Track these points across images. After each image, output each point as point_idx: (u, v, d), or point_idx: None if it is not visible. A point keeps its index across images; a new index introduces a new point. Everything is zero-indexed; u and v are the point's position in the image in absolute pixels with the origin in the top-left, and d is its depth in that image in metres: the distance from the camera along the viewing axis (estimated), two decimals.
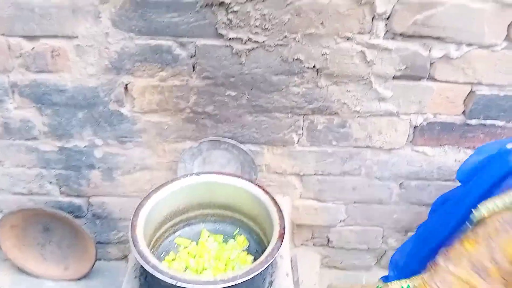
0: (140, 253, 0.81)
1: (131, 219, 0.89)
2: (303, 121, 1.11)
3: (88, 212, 1.29)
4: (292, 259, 1.37)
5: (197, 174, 1.04)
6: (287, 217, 1.19)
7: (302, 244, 1.41)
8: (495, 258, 0.71)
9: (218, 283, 0.77)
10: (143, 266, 0.78)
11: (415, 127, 1.11)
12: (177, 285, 0.75)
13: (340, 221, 1.32)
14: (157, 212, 0.98)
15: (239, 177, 1.04)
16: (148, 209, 0.93)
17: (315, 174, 1.21)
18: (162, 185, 0.99)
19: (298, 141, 1.15)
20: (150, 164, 1.19)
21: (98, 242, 1.34)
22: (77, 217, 1.28)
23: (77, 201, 1.26)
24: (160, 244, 1.03)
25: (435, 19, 0.92)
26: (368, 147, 1.15)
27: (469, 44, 0.96)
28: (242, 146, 1.13)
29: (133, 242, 0.83)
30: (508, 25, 0.94)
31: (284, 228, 0.89)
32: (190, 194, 1.03)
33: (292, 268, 1.30)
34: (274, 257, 0.83)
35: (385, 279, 1.19)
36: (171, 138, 1.13)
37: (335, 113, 1.09)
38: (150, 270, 0.78)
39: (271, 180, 1.22)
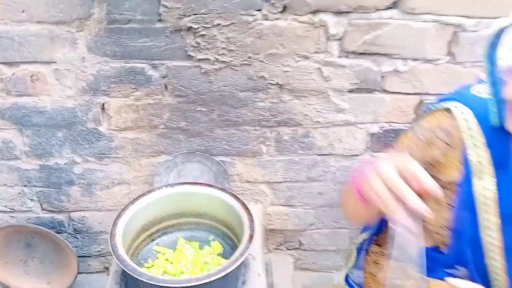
0: (119, 258, 0.88)
1: (110, 228, 0.95)
2: (270, 133, 1.20)
3: (69, 227, 1.35)
4: (267, 263, 1.46)
5: (171, 185, 1.11)
6: (259, 223, 1.28)
7: (276, 249, 1.49)
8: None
9: (193, 281, 0.85)
10: (123, 268, 0.85)
11: (372, 134, 1.22)
12: (155, 284, 0.83)
13: (310, 225, 1.41)
14: (135, 222, 1.05)
15: (212, 186, 1.12)
16: (126, 219, 1.00)
17: (284, 181, 1.30)
18: (139, 197, 1.06)
19: (266, 151, 1.23)
20: (127, 179, 1.25)
21: (80, 256, 1.40)
22: (58, 232, 1.33)
23: (58, 216, 1.32)
24: (139, 253, 1.09)
25: (382, 38, 1.03)
26: (330, 154, 1.25)
27: (415, 59, 1.08)
28: (214, 158, 1.21)
29: (113, 249, 0.90)
30: (448, 42, 1.05)
31: (253, 231, 0.97)
32: (165, 205, 1.10)
33: (266, 271, 1.39)
34: (244, 256, 0.91)
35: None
36: (146, 153, 1.20)
37: (299, 125, 1.18)
38: (130, 272, 0.85)
39: (243, 189, 1.31)
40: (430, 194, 0.68)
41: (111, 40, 1.01)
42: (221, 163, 1.22)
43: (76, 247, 1.38)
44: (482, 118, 0.78)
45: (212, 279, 0.86)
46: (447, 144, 0.81)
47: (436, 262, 0.90)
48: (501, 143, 0.78)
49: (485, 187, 0.78)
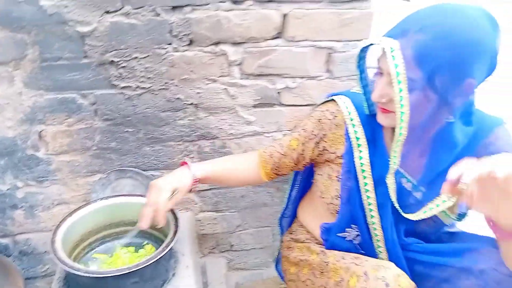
0: (59, 258, 1.02)
1: (50, 237, 1.10)
2: (192, 146, 1.40)
3: (15, 250, 1.45)
4: (202, 265, 1.62)
5: (106, 198, 1.27)
6: (191, 229, 1.46)
7: (209, 252, 1.66)
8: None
9: (125, 270, 1.01)
10: (63, 267, 1.00)
11: None
12: (92, 276, 0.98)
13: (237, 226, 1.61)
14: (74, 232, 1.19)
15: (142, 196, 1.29)
16: (64, 228, 1.14)
17: (209, 189, 1.49)
18: (76, 209, 1.20)
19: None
20: (66, 199, 1.39)
21: (27, 278, 1.49)
22: (5, 256, 1.43)
23: (3, 241, 1.42)
24: (79, 260, 1.22)
25: (272, 62, 1.28)
26: None
27: (301, 77, 1.33)
28: (144, 173, 1.38)
29: (53, 251, 1.04)
30: (325, 61, 1.32)
31: (177, 227, 1.15)
32: (102, 215, 1.25)
33: (202, 273, 1.56)
34: (169, 246, 1.08)
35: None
36: (82, 173, 1.35)
37: (216, 137, 1.39)
38: (69, 269, 1.00)
39: None
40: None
41: (44, 75, 1.18)
42: (151, 177, 1.39)
43: (23, 269, 1.48)
44: (358, 106, 1.07)
45: (141, 266, 1.02)
46: (333, 122, 1.09)
47: (330, 232, 1.14)
48: (372, 124, 1.05)
49: (362, 157, 1.05)
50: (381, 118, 0.99)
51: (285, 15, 1.22)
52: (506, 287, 0.92)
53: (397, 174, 1.04)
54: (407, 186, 1.04)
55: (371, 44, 0.93)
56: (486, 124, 0.98)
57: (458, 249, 1.03)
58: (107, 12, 1.12)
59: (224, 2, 1.16)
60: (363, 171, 1.05)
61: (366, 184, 1.06)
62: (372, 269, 0.97)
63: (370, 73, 1.03)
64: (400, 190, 1.04)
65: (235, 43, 1.23)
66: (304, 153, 1.14)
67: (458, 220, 1.05)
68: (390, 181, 1.02)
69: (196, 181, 1.12)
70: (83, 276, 1.00)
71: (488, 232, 0.94)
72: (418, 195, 1.03)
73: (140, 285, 1.07)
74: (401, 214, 1.04)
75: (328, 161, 1.13)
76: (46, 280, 1.54)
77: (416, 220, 1.02)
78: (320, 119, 1.11)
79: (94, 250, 1.27)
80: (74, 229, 1.19)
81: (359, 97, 1.07)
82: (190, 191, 1.13)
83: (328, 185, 1.13)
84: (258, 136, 1.42)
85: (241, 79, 1.30)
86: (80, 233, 1.23)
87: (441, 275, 1.03)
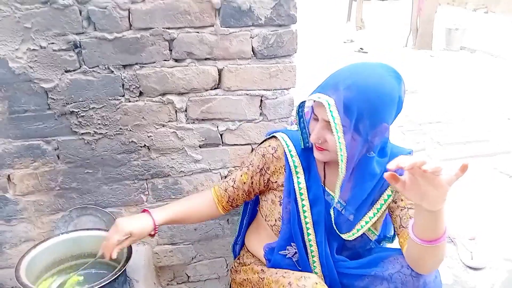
0: (22, 284, 1.16)
1: (15, 267, 1.24)
2: (147, 184, 1.57)
3: None
4: None
5: (66, 232, 1.42)
6: (148, 261, 1.60)
7: (167, 284, 1.79)
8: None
9: None
10: None
11: (225, 177, 1.64)
12: None
13: (192, 258, 1.75)
14: (38, 263, 1.33)
15: (100, 229, 1.45)
16: (28, 260, 1.28)
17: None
18: (40, 242, 1.35)
19: (146, 199, 1.60)
20: (32, 236, 1.53)
21: None
22: None
23: None
24: None
25: (213, 108, 1.50)
26: None
27: (240, 120, 1.55)
28: (104, 209, 1.55)
29: (17, 279, 1.18)
30: (259, 107, 1.54)
31: (130, 253, 1.31)
32: (63, 248, 1.40)
33: None
34: (121, 271, 1.23)
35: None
36: (47, 212, 1.51)
37: (168, 175, 1.58)
38: None
39: None
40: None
41: (12, 125, 1.36)
42: (110, 213, 1.55)
43: None
44: (294, 140, 1.29)
45: None
46: (274, 156, 1.30)
47: (273, 251, 1.33)
48: (306, 155, 1.28)
49: (300, 182, 1.27)
50: (317, 154, 1.20)
51: (220, 70, 1.45)
52: (410, 286, 1.12)
53: (332, 198, 1.26)
54: (338, 207, 1.26)
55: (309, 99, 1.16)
56: (397, 154, 1.21)
57: (373, 260, 1.25)
58: (67, 71, 1.33)
59: (168, 60, 1.39)
60: (301, 194, 1.26)
61: (303, 205, 1.27)
62: (296, 279, 1.17)
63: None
64: (335, 212, 1.26)
65: (180, 93, 1.45)
66: (253, 185, 1.34)
67: (389, 242, 1.39)
68: (335, 204, 1.24)
69: (157, 227, 1.28)
70: None
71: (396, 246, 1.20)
72: (350, 217, 1.25)
73: None
74: (334, 233, 1.26)
75: (272, 189, 1.34)
76: None
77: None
78: (264, 154, 1.32)
79: (56, 281, 1.40)
80: (38, 260, 1.33)
81: (294, 133, 1.31)
82: (152, 235, 1.29)
83: (272, 209, 1.34)
84: (206, 173, 1.61)
85: (187, 123, 1.50)
86: (44, 264, 1.36)
87: (362, 284, 1.22)
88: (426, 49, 8.01)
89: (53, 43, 1.30)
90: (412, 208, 1.16)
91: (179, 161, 1.56)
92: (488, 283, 1.99)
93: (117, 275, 1.23)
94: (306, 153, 1.28)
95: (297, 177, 1.27)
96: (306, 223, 1.27)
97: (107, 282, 1.19)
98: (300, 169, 1.27)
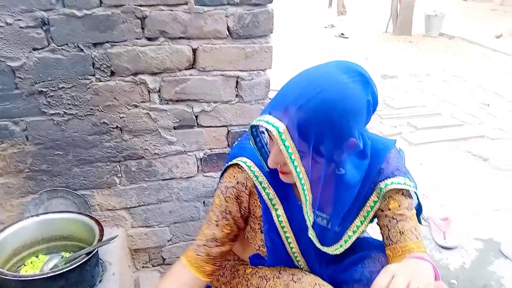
0: None
1: None
2: (120, 166, 1.55)
3: None
4: (135, 279, 1.74)
5: (37, 215, 1.39)
6: (122, 243, 1.58)
7: (143, 267, 1.78)
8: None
9: (49, 273, 1.13)
10: None
11: (200, 159, 1.62)
12: (19, 279, 1.10)
13: (168, 240, 1.74)
14: (6, 247, 1.29)
15: (71, 212, 1.42)
16: None
17: (138, 205, 1.64)
18: (8, 225, 1.32)
19: (119, 182, 1.57)
20: (1, 219, 1.49)
21: None
22: None
23: None
24: None
25: (188, 89, 1.47)
26: (172, 178, 1.62)
27: (215, 102, 1.53)
28: (75, 192, 1.52)
29: None
30: (235, 88, 1.52)
31: (102, 235, 1.29)
32: (33, 231, 1.36)
33: (135, 285, 1.68)
34: (92, 252, 1.22)
35: None
36: (16, 195, 1.47)
37: (141, 157, 1.55)
38: None
39: (105, 217, 1.61)
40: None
41: None
42: (81, 196, 1.52)
43: None
44: (261, 166, 1.10)
45: (64, 270, 1.15)
46: (246, 194, 1.13)
47: (263, 263, 1.23)
48: (279, 182, 1.06)
49: (279, 214, 1.12)
50: (283, 178, 1.03)
51: (195, 50, 1.42)
52: None
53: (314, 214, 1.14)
54: (323, 223, 1.12)
55: (259, 125, 0.97)
56: (379, 151, 1.06)
57: (357, 259, 1.16)
58: (35, 49, 1.28)
59: (140, 39, 1.36)
60: (282, 227, 1.13)
61: (287, 237, 1.14)
62: (309, 286, 1.07)
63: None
64: (319, 228, 1.11)
65: (153, 73, 1.42)
66: (237, 226, 1.18)
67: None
68: (311, 232, 1.08)
69: None
70: (12, 279, 1.12)
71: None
72: (337, 229, 1.12)
73: None
74: (322, 252, 1.12)
75: (250, 217, 1.20)
76: None
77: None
78: (237, 196, 1.13)
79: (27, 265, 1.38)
80: (7, 243, 1.30)
81: (256, 155, 1.10)
82: None
83: (253, 236, 1.22)
84: (181, 155, 1.59)
85: (161, 104, 1.48)
86: (13, 248, 1.33)
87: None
88: (405, 35, 8.07)
89: (19, 19, 1.25)
90: (401, 220, 1.05)
91: (153, 142, 1.53)
92: (460, 262, 2.05)
93: (88, 257, 1.21)
94: (275, 174, 1.07)
95: (275, 209, 1.11)
96: (294, 253, 1.17)
97: (77, 264, 1.17)
98: (276, 201, 1.11)
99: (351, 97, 0.89)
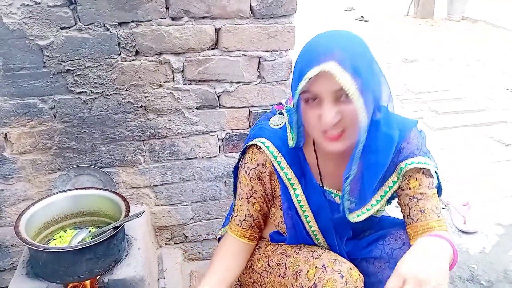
0: (22, 238, 1.18)
1: (14, 223, 1.25)
2: (144, 145, 1.58)
3: None
4: (159, 256, 1.79)
5: (65, 191, 1.43)
6: (146, 220, 1.62)
7: (166, 244, 1.82)
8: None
9: (78, 246, 1.18)
10: (25, 244, 1.16)
11: (222, 139, 1.64)
12: (51, 251, 1.14)
13: (190, 219, 1.78)
14: (36, 220, 1.34)
15: (98, 188, 1.46)
16: (27, 216, 1.29)
17: (162, 184, 1.67)
18: (38, 200, 1.36)
19: (144, 160, 1.61)
20: (31, 195, 1.54)
21: None
22: None
23: None
24: None
25: (210, 69, 1.48)
26: (194, 158, 1.65)
27: (237, 82, 1.54)
28: (101, 170, 1.55)
29: (17, 234, 1.20)
30: (257, 68, 1.53)
31: (128, 211, 1.32)
32: (61, 206, 1.41)
33: (158, 261, 1.72)
34: (120, 226, 1.25)
35: None
36: (44, 171, 1.51)
37: (165, 137, 1.58)
38: (30, 246, 1.16)
39: (129, 194, 1.65)
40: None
41: (8, 83, 1.35)
42: (107, 173, 1.56)
43: None
44: (279, 146, 1.12)
45: (93, 243, 1.19)
46: (267, 174, 1.15)
47: (282, 241, 1.25)
48: (297, 161, 1.14)
49: (298, 194, 1.15)
50: (334, 146, 0.99)
51: (218, 30, 1.43)
52: None
53: (335, 196, 1.16)
54: (337, 200, 1.16)
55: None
56: (400, 131, 1.07)
57: (378, 236, 1.18)
58: (62, 28, 1.31)
59: (164, 18, 1.37)
60: (301, 206, 1.15)
61: (306, 216, 1.16)
62: (329, 262, 1.07)
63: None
64: (333, 207, 1.15)
65: (177, 53, 1.43)
66: (266, 203, 1.22)
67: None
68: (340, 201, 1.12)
69: None
70: (42, 251, 1.17)
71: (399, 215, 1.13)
72: (351, 205, 1.12)
73: (94, 262, 1.24)
74: (342, 222, 1.14)
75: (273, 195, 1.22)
76: (13, 272, 1.65)
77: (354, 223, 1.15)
78: (259, 177, 1.16)
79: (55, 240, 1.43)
80: (37, 217, 1.35)
81: (274, 134, 1.12)
82: None
83: (273, 212, 1.24)
84: (203, 135, 1.61)
85: (184, 84, 1.49)
86: (42, 222, 1.38)
87: (367, 263, 1.18)
88: (427, 19, 7.89)
89: None
90: (422, 199, 1.06)
91: (176, 122, 1.56)
92: (479, 247, 2.04)
93: (115, 231, 1.25)
94: (295, 158, 1.12)
95: (294, 189, 1.14)
96: (313, 231, 1.19)
97: (105, 238, 1.21)
98: (294, 180, 1.13)
99: (364, 43, 0.98)
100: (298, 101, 0.98)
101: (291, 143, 1.10)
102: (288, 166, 1.12)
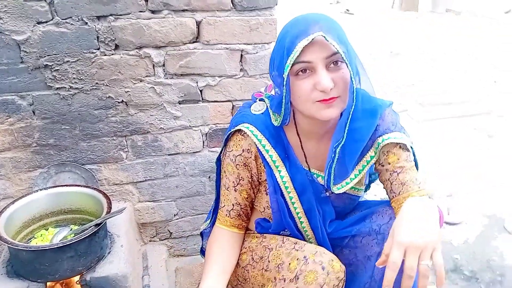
0: (1, 238, 1.16)
1: None
2: (126, 141, 1.55)
3: None
4: (143, 252, 1.77)
5: (45, 188, 1.41)
6: (129, 217, 1.61)
7: (150, 241, 1.81)
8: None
9: (59, 244, 1.16)
10: (4, 243, 1.14)
11: (205, 134, 1.63)
12: (31, 250, 1.12)
13: (174, 215, 1.77)
14: (16, 219, 1.31)
15: (78, 185, 1.44)
16: (6, 215, 1.27)
17: (145, 180, 1.65)
18: (18, 198, 1.34)
19: (126, 157, 1.58)
20: (11, 193, 1.51)
21: None
22: None
23: None
24: None
25: (192, 63, 1.47)
26: (178, 153, 1.64)
27: (220, 76, 1.52)
28: (83, 166, 1.53)
29: None
30: (239, 62, 1.52)
31: (110, 208, 1.31)
32: (42, 204, 1.38)
33: (143, 258, 1.71)
34: (102, 223, 1.24)
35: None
36: (24, 169, 1.48)
37: (147, 132, 1.56)
38: (10, 245, 1.13)
39: (112, 191, 1.63)
40: None
41: None
42: (89, 170, 1.54)
43: None
44: (262, 130, 1.14)
45: (74, 241, 1.17)
46: (252, 159, 1.16)
47: (268, 228, 1.26)
48: (281, 143, 1.16)
49: (283, 176, 1.16)
50: (327, 112, 1.02)
51: (199, 22, 1.41)
52: None
53: (311, 175, 1.18)
54: (319, 180, 1.19)
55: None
56: (376, 108, 1.11)
57: (363, 216, 1.21)
58: (39, 22, 1.28)
59: (144, 11, 1.35)
60: (286, 187, 1.17)
61: (291, 197, 1.18)
62: (311, 254, 1.07)
63: None
64: (316, 187, 1.18)
65: (157, 47, 1.41)
66: (253, 190, 1.23)
67: (364, 191, 1.27)
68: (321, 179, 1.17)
69: None
70: (22, 250, 1.15)
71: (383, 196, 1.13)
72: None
73: (75, 259, 1.22)
74: (324, 198, 1.19)
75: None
76: None
77: (336, 203, 1.20)
78: (245, 163, 1.17)
79: (36, 238, 1.40)
80: (17, 216, 1.32)
81: (257, 119, 1.15)
82: None
83: (259, 198, 1.24)
84: (186, 130, 1.60)
85: (165, 78, 1.47)
86: (22, 221, 1.35)
87: (352, 241, 1.20)
88: (412, 11, 7.94)
89: None
90: (402, 172, 1.09)
91: (158, 117, 1.54)
92: (463, 237, 2.07)
93: (97, 228, 1.23)
94: (278, 140, 1.15)
95: (279, 171, 1.16)
96: (297, 213, 1.21)
97: (86, 235, 1.19)
98: (279, 162, 1.16)
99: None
100: (288, 76, 1.00)
101: (276, 123, 1.13)
102: (272, 149, 1.15)
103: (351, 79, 0.98)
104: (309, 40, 0.95)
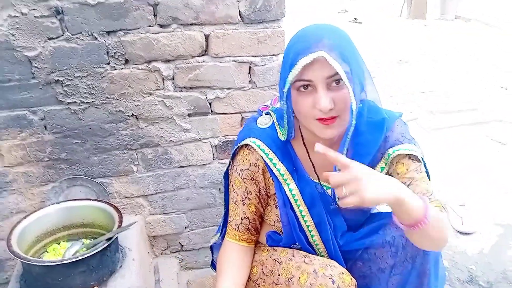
0: (14, 252, 1.17)
1: (6, 237, 1.24)
2: (136, 154, 1.56)
3: None
4: (155, 265, 1.77)
5: (57, 202, 1.42)
6: (140, 230, 1.61)
7: (162, 253, 1.80)
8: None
9: (71, 259, 1.16)
10: (17, 257, 1.14)
11: (215, 146, 1.63)
12: (42, 265, 1.13)
13: (185, 227, 1.76)
14: (29, 233, 1.32)
15: (90, 199, 1.44)
16: (19, 230, 1.28)
17: (156, 193, 1.66)
18: (31, 213, 1.35)
19: (137, 170, 1.59)
20: (23, 207, 1.53)
21: None
22: None
23: None
24: None
25: (201, 76, 1.48)
26: (188, 166, 1.64)
27: (228, 88, 1.53)
28: (94, 180, 1.54)
29: (9, 248, 1.18)
30: (248, 74, 1.52)
31: (121, 221, 1.31)
32: (54, 219, 1.39)
33: (154, 271, 1.70)
34: (113, 237, 1.24)
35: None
36: (37, 183, 1.50)
37: (157, 145, 1.57)
38: (22, 260, 1.14)
39: (123, 204, 1.64)
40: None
41: None
42: (100, 183, 1.55)
43: None
44: (269, 144, 1.14)
45: (86, 256, 1.18)
46: (260, 173, 1.16)
47: (279, 241, 1.25)
48: (288, 156, 1.16)
49: (292, 188, 1.16)
50: (328, 132, 1.01)
51: (207, 36, 1.42)
52: (410, 247, 1.09)
53: (321, 188, 1.17)
54: (329, 192, 1.17)
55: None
56: (385, 121, 1.10)
57: (376, 227, 1.19)
58: (50, 38, 1.30)
59: (153, 26, 1.36)
60: (295, 200, 1.16)
61: (301, 210, 1.17)
62: (321, 268, 1.08)
63: None
64: (326, 199, 1.16)
65: (166, 61, 1.43)
66: (261, 204, 1.22)
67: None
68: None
69: None
70: (35, 265, 1.15)
71: None
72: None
73: (87, 274, 1.22)
74: (335, 210, 1.17)
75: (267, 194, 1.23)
76: (7, 287, 1.65)
77: (348, 215, 1.18)
78: (253, 177, 1.17)
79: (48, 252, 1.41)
80: (29, 230, 1.33)
81: (263, 133, 1.15)
82: None
83: (268, 211, 1.24)
84: (196, 143, 1.60)
85: (175, 91, 1.48)
86: (35, 235, 1.36)
87: (365, 253, 1.19)
88: (420, 19, 7.92)
89: (34, 9, 1.27)
90: (412, 184, 1.06)
91: (168, 130, 1.55)
92: (478, 247, 2.03)
93: (108, 243, 1.23)
94: (285, 153, 1.14)
95: (287, 184, 1.15)
96: (308, 226, 1.19)
97: (98, 250, 1.20)
98: (287, 175, 1.15)
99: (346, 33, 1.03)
100: (289, 90, 1.00)
101: (282, 137, 1.13)
102: (280, 162, 1.14)
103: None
104: (310, 59, 0.93)
